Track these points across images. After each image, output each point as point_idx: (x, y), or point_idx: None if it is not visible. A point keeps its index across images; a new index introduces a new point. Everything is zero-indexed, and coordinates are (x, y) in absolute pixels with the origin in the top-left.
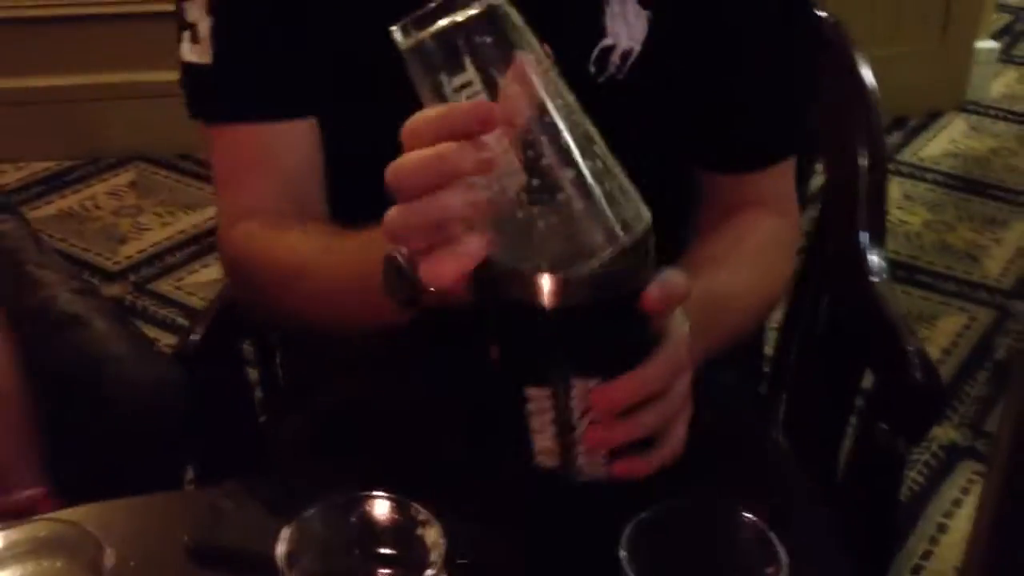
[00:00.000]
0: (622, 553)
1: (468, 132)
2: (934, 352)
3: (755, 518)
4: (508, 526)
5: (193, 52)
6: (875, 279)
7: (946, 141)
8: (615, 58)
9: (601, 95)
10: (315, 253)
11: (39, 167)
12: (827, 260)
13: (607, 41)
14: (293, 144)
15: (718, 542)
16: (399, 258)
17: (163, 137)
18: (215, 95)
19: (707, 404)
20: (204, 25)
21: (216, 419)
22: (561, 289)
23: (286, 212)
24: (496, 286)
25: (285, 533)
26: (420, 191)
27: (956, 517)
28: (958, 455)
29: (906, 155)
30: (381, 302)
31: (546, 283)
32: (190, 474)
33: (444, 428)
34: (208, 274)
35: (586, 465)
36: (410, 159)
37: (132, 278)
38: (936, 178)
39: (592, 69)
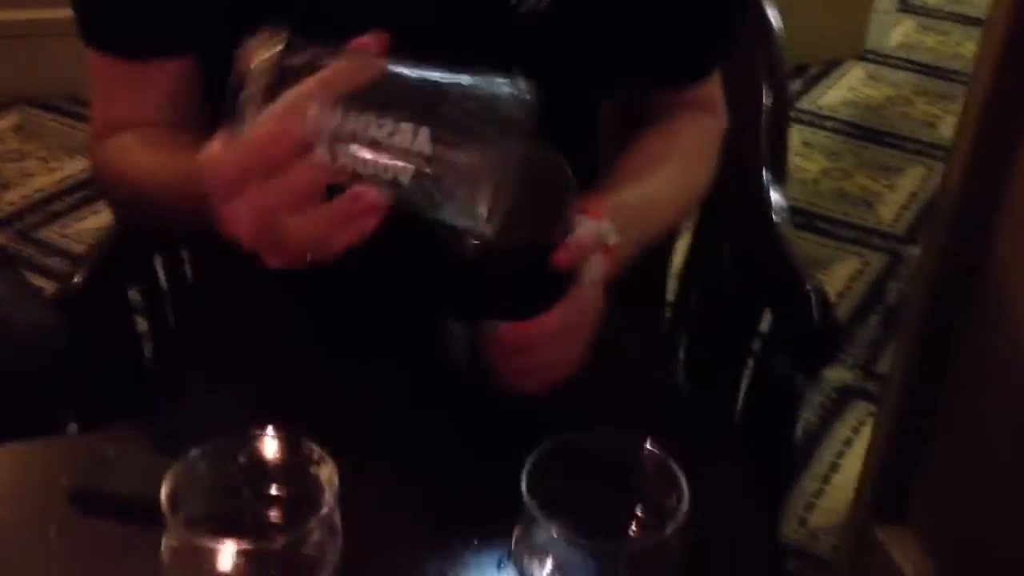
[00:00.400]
0: (523, 484)
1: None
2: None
3: (656, 449)
4: (404, 462)
5: None
6: (776, 218)
7: (845, 89)
8: None
9: (522, 27)
10: (153, 167)
11: None
12: (728, 199)
13: None
14: (170, 78)
15: (620, 472)
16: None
17: (50, 79)
18: (99, 24)
19: (608, 349)
20: None
21: (99, 364)
22: (464, 253)
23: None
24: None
25: (169, 475)
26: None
27: (848, 456)
28: (850, 396)
29: (805, 103)
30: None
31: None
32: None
33: (333, 367)
34: (95, 221)
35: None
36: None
37: (16, 226)
38: (834, 126)
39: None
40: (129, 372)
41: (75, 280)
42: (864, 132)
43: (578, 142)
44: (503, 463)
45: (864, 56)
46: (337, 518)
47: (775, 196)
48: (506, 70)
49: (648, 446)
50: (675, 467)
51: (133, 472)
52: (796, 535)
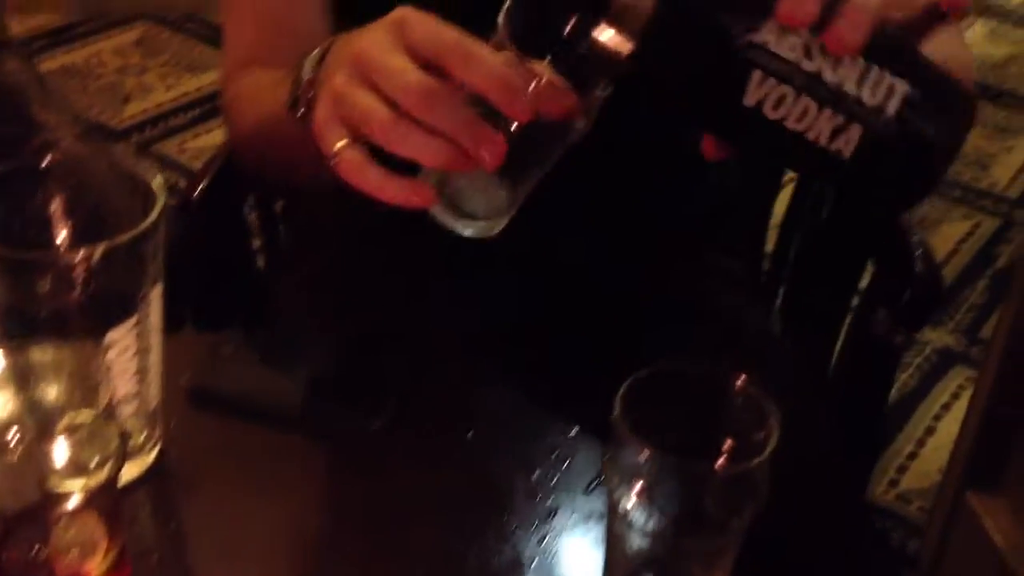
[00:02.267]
0: (616, 407)
1: (504, 101)
2: (936, 256)
3: (750, 385)
4: (497, 382)
5: None
6: None
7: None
8: None
9: None
10: (272, 86)
11: (45, 19)
12: None
13: None
14: (300, 6)
15: (713, 405)
16: (303, 72)
17: None
18: None
19: (708, 290)
20: None
21: (216, 269)
22: None
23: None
24: None
25: None
26: (407, 101)
27: (945, 420)
28: (951, 359)
29: None
30: (298, 131)
31: None
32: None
33: (433, 289)
34: (211, 139)
35: None
36: (414, 72)
37: (135, 138)
38: None
39: None
40: (242, 283)
41: (193, 193)
42: (981, 90)
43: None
44: (598, 390)
45: (985, 12)
46: None
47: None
48: None
49: (742, 382)
50: (767, 404)
51: (248, 375)
52: (887, 496)
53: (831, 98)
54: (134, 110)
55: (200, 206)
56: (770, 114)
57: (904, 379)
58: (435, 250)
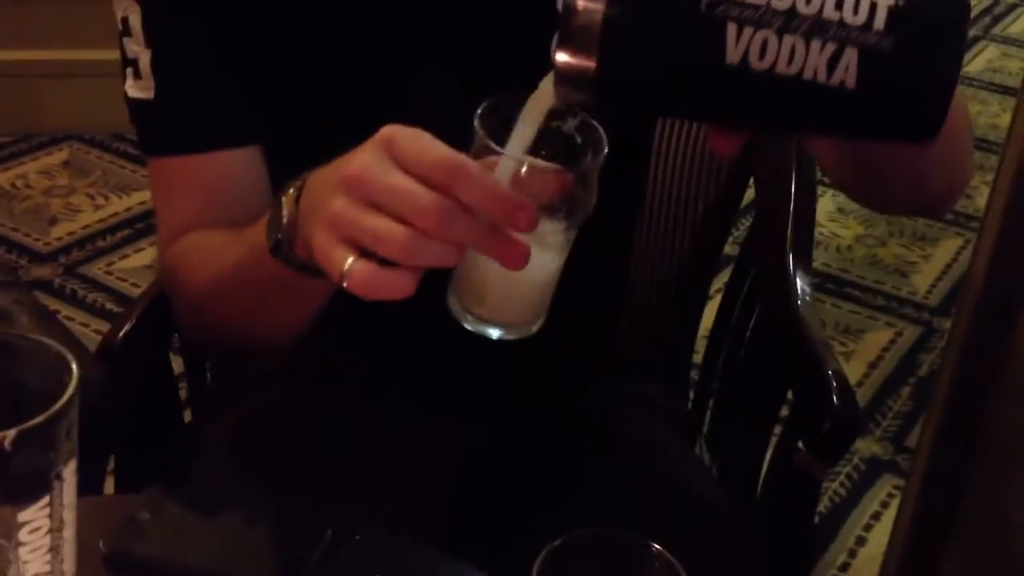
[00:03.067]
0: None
1: (505, 219)
2: (860, 366)
3: (664, 551)
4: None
5: (136, 87)
6: (798, 301)
7: None
8: None
9: None
10: (227, 242)
11: None
12: (755, 275)
13: None
14: (235, 171)
15: (629, 571)
16: (283, 209)
17: (98, 116)
18: (159, 131)
19: (632, 417)
20: (144, 59)
21: (140, 420)
22: None
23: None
24: None
25: None
26: (425, 223)
27: (875, 531)
28: (879, 468)
29: None
30: (278, 276)
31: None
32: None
33: (366, 439)
34: (139, 259)
35: None
36: (426, 194)
37: (62, 260)
38: None
39: None
40: (167, 429)
41: (118, 334)
42: None
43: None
44: (516, 553)
45: None
46: None
47: (798, 278)
48: None
49: (657, 548)
50: (681, 572)
51: (168, 538)
52: None
53: (814, 28)
54: (61, 232)
55: (123, 351)
56: (758, 65)
57: (834, 488)
58: (362, 400)
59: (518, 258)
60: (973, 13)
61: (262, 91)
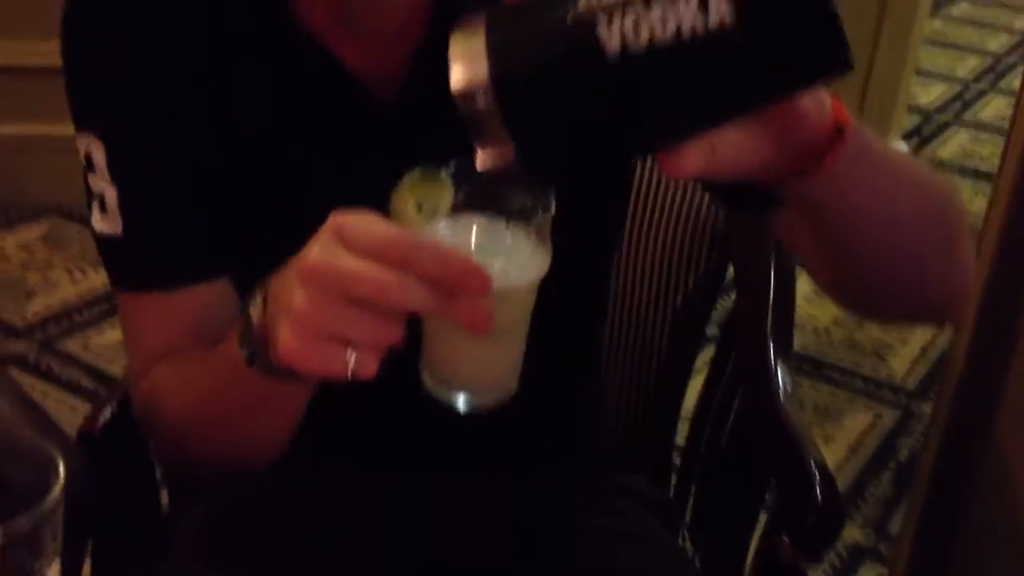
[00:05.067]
0: None
1: (458, 285)
2: (839, 450)
3: None
4: None
5: (103, 222)
6: (779, 392)
7: None
8: None
9: None
10: (202, 364)
11: None
12: (736, 361)
13: None
14: (205, 304)
15: None
16: (252, 318)
17: (79, 191)
18: (127, 266)
19: (614, 508)
20: (111, 195)
21: (118, 506)
22: None
23: None
24: None
25: None
26: (369, 296)
27: None
28: (860, 556)
29: None
30: (257, 387)
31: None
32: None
33: (333, 535)
34: (116, 335)
35: None
36: (382, 272)
37: (38, 336)
38: None
39: None
40: (145, 519)
41: (99, 423)
42: None
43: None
44: None
45: None
46: None
47: (778, 368)
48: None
49: None
50: None
51: None
52: None
53: None
54: (38, 306)
55: (103, 438)
56: (637, 44)
57: None
58: (330, 495)
59: (479, 321)
60: (944, 100)
61: (229, 224)
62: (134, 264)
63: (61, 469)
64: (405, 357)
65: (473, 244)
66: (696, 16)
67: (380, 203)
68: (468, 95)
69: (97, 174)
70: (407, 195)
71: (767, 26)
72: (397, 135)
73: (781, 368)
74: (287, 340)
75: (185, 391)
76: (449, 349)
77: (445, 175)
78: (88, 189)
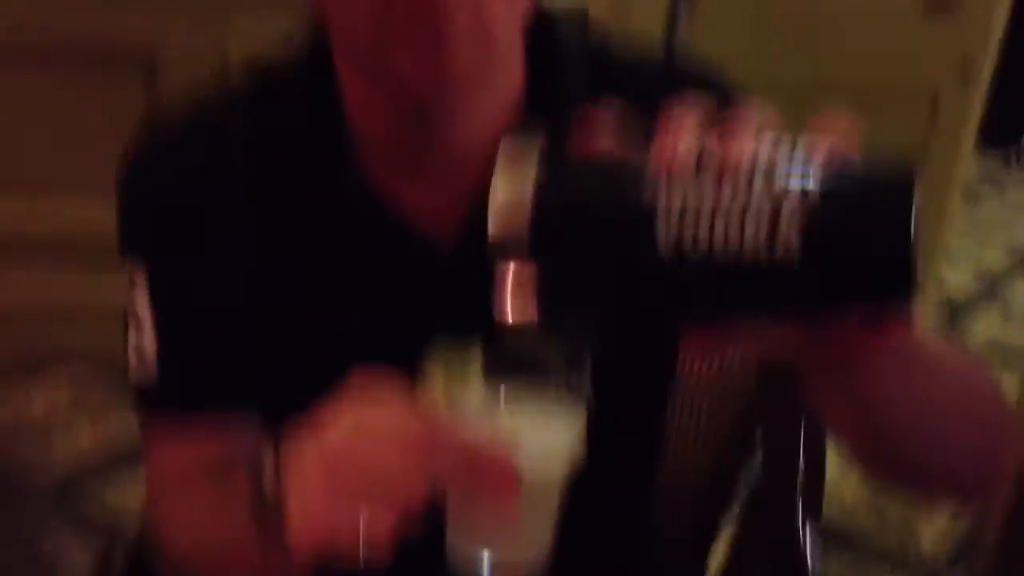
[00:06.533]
0: None
1: (489, 487)
2: None
3: None
4: None
5: (139, 341)
6: (809, 560)
7: None
8: None
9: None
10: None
11: None
12: (760, 536)
13: None
14: (227, 444)
15: None
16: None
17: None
18: (156, 401)
19: None
20: (147, 321)
21: None
22: None
23: None
24: None
25: None
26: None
27: None
28: None
29: None
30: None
31: None
32: None
33: None
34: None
35: None
36: (405, 472)
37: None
38: None
39: None
40: None
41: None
42: None
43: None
44: None
45: None
46: None
47: (809, 541)
48: None
49: None
50: None
51: None
52: None
53: (743, 200)
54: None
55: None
56: (692, 252)
57: None
58: None
59: (505, 502)
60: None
61: (260, 369)
62: (162, 398)
63: None
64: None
65: (503, 426)
66: (761, 246)
67: (420, 358)
68: (503, 250)
69: (137, 298)
70: (435, 367)
71: (834, 260)
72: (451, 286)
73: (810, 539)
74: (299, 528)
75: (201, 525)
76: (473, 514)
77: (475, 348)
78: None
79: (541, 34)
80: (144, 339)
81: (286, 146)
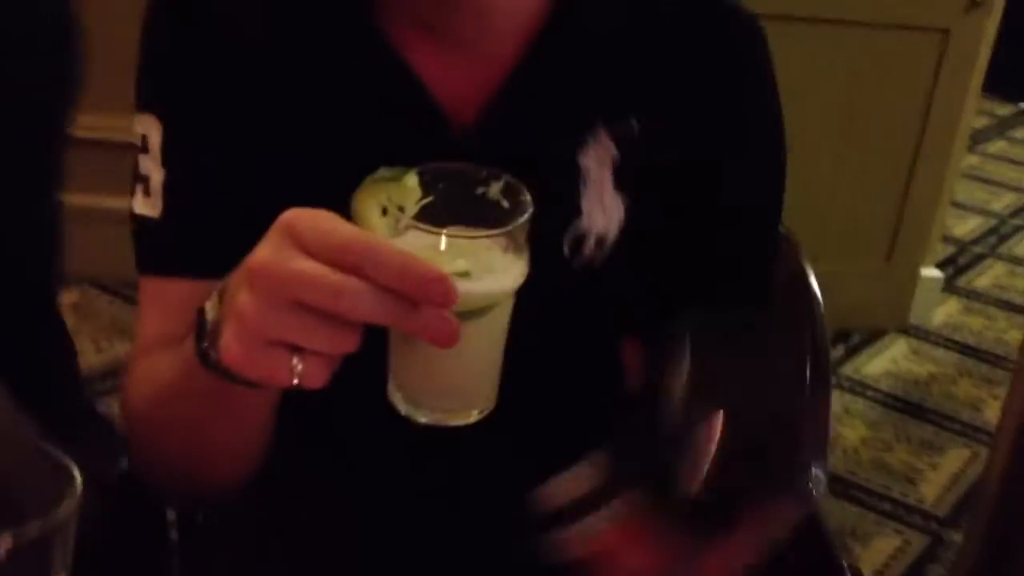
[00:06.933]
0: None
1: (419, 295)
2: (866, 572)
3: None
4: None
5: (144, 205)
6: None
7: (887, 361)
8: (590, 243)
9: (575, 281)
10: (165, 358)
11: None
12: None
13: (581, 226)
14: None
15: None
16: (207, 314)
17: (113, 263)
18: (156, 250)
19: None
20: (157, 178)
21: (127, 548)
22: None
23: None
24: None
25: None
26: (318, 301)
27: None
28: None
29: (847, 370)
30: (212, 387)
31: None
32: None
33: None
34: None
35: None
36: (332, 276)
37: None
38: (876, 396)
39: (567, 253)
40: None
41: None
42: (906, 406)
43: (606, 379)
44: None
45: (908, 331)
46: None
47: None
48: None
49: None
50: None
51: None
52: None
53: None
54: None
55: (118, 491)
56: None
57: None
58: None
59: (443, 334)
60: (980, 233)
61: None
62: (164, 248)
63: (78, 484)
64: (376, 366)
65: (440, 249)
66: None
67: None
68: None
69: (149, 155)
70: (370, 197)
71: None
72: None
73: (816, 467)
74: (229, 343)
75: (149, 382)
76: (415, 363)
77: (412, 177)
78: (135, 170)
79: None
80: (151, 195)
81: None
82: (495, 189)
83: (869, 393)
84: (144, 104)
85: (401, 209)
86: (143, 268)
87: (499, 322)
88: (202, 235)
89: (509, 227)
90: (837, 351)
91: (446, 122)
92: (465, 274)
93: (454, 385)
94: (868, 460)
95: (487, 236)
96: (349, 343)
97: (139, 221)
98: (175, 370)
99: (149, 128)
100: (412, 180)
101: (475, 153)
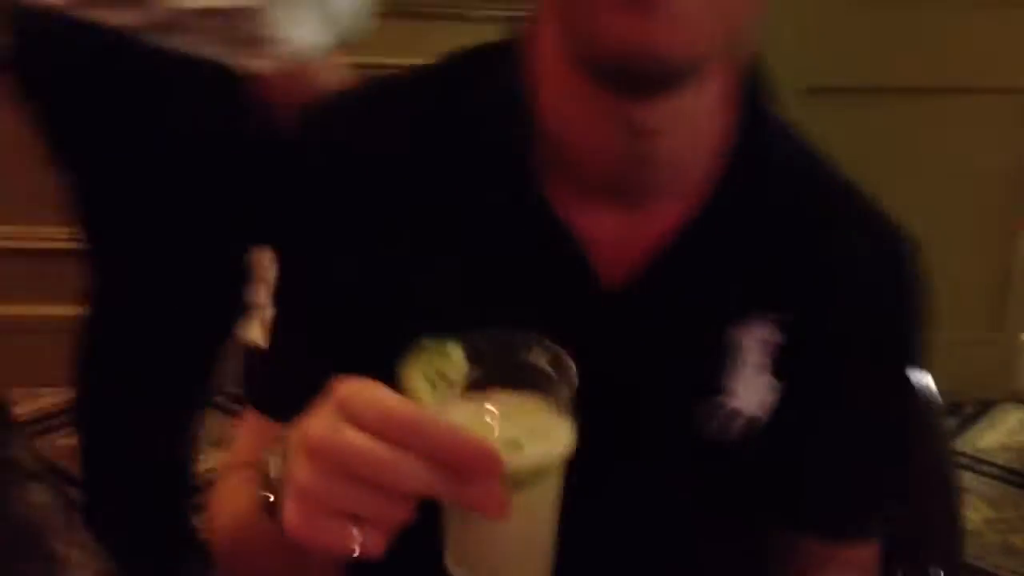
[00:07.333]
0: None
1: (463, 467)
2: None
3: None
4: None
5: (255, 333)
6: None
7: (1003, 434)
8: (739, 423)
9: (710, 454)
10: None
11: (51, 399)
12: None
13: (723, 404)
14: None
15: None
16: (271, 470)
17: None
18: (262, 388)
19: None
20: (268, 314)
21: None
22: None
23: None
24: None
25: None
26: (368, 474)
27: None
28: None
29: (962, 445)
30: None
31: None
32: None
33: None
34: None
35: None
36: (378, 450)
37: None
38: (992, 471)
39: (712, 429)
40: None
41: None
42: (1013, 475)
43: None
44: None
45: (1019, 398)
46: None
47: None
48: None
49: None
50: None
51: None
52: None
53: None
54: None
55: None
56: None
57: None
58: None
59: (492, 506)
60: None
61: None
62: (267, 387)
63: None
64: (431, 534)
65: (487, 421)
66: None
67: None
68: None
69: (261, 286)
70: (416, 369)
71: None
72: (612, 325)
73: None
74: (290, 515)
75: (232, 502)
76: (468, 531)
77: (457, 350)
78: (250, 294)
79: (752, 89)
80: (263, 330)
81: (467, 136)
82: (539, 357)
83: (986, 469)
84: (265, 234)
85: (445, 378)
86: (246, 393)
87: (551, 492)
88: (307, 386)
89: (556, 396)
90: (949, 423)
91: (598, 285)
92: (514, 443)
93: (506, 555)
94: (993, 543)
95: (534, 405)
96: (402, 513)
97: (250, 349)
98: (249, 504)
99: (267, 265)
100: (457, 353)
101: (620, 320)
